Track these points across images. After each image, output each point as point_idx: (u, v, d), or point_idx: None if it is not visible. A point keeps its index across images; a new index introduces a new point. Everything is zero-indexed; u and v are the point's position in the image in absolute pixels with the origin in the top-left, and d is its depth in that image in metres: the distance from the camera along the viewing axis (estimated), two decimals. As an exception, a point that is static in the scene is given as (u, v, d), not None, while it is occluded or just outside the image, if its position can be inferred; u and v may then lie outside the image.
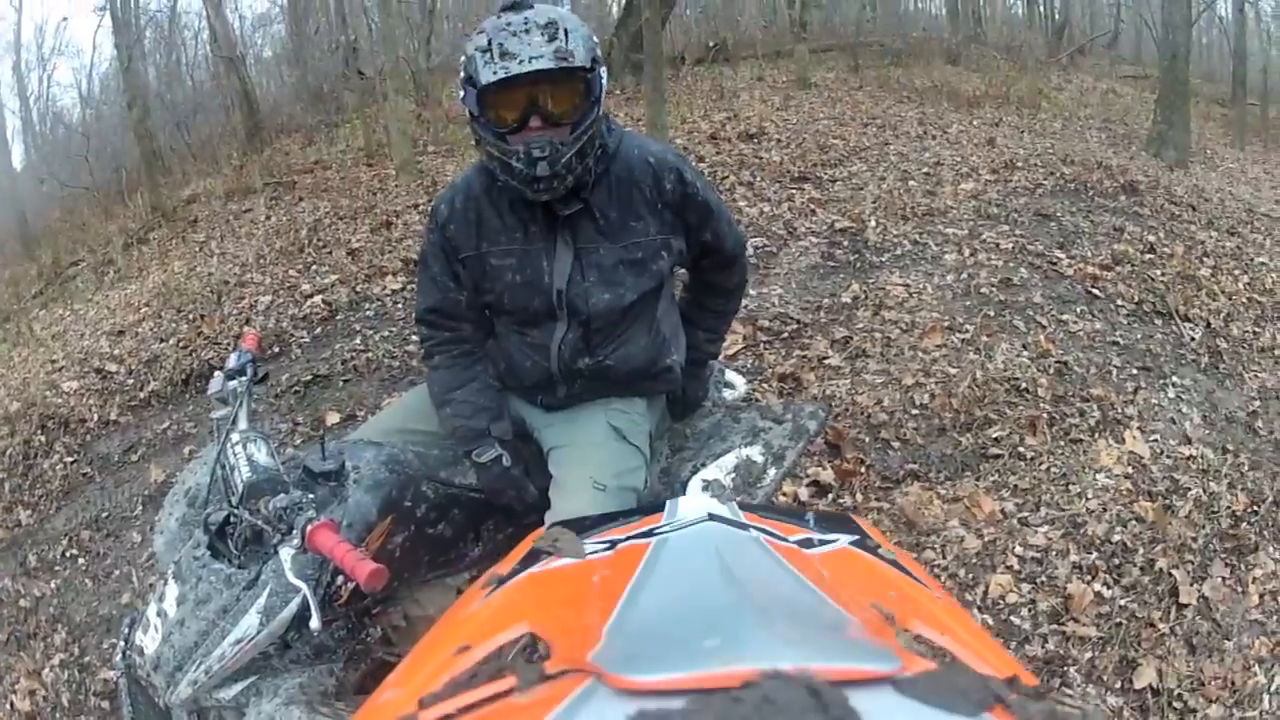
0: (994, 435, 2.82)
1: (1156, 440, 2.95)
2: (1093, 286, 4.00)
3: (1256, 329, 4.09)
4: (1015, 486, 2.60)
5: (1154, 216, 5.22)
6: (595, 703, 0.40)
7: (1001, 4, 18.14)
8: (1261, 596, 2.26)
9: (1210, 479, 2.73)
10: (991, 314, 3.61)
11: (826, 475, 2.60)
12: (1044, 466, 2.70)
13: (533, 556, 0.78)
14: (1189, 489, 2.66)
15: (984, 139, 6.58)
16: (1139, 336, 3.69)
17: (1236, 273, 4.56)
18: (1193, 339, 3.77)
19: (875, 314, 3.59)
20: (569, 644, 0.51)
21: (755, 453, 1.45)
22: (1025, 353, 3.31)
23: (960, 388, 3.00)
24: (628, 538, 0.75)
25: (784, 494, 2.43)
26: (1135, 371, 3.42)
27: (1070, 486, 2.60)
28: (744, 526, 0.74)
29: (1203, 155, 8.44)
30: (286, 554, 1.03)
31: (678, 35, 11.22)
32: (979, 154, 6.07)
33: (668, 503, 0.84)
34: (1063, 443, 2.84)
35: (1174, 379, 3.44)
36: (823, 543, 0.78)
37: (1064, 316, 3.69)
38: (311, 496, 1.11)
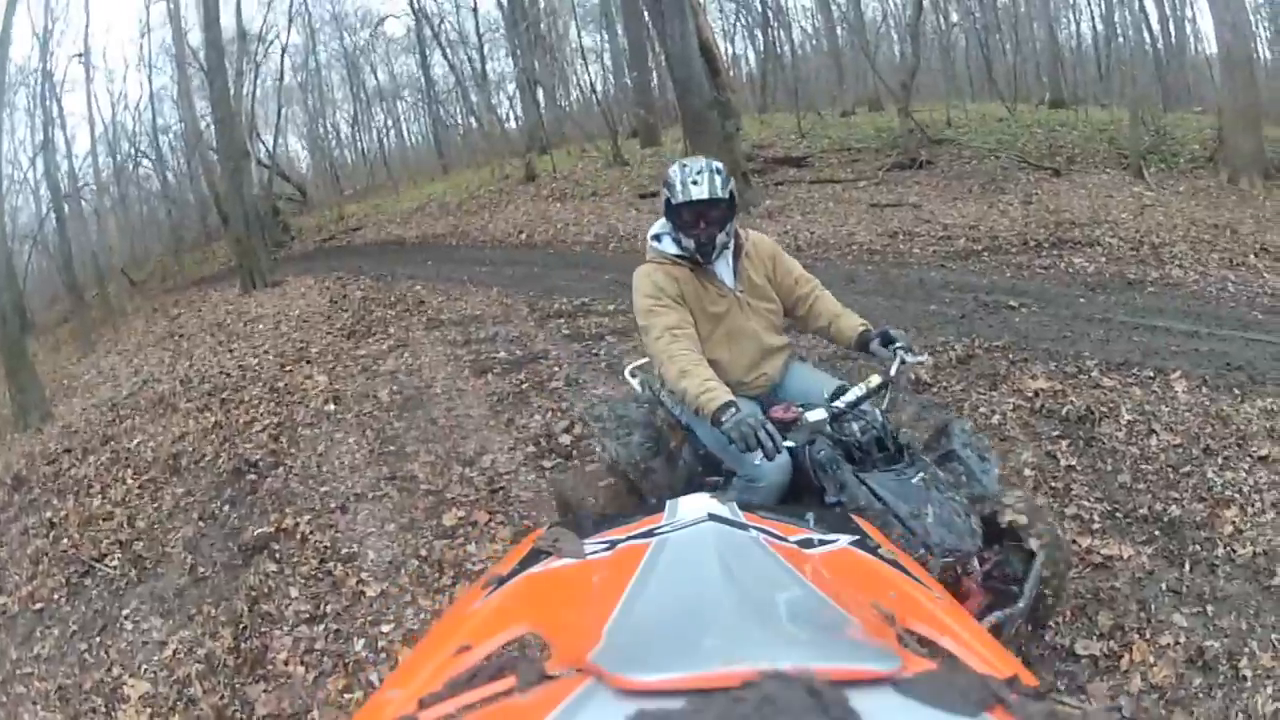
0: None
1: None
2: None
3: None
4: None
5: (45, 492, 5.08)
6: (595, 703, 0.40)
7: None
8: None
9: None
10: None
11: None
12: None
13: (533, 556, 0.78)
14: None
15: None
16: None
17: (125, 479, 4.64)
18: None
19: None
20: (569, 644, 0.51)
21: None
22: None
23: None
24: (628, 538, 0.75)
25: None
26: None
27: None
28: (744, 527, 0.74)
29: (64, 393, 8.55)
30: None
31: None
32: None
33: (668, 503, 0.84)
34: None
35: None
36: (823, 543, 0.78)
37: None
38: None
